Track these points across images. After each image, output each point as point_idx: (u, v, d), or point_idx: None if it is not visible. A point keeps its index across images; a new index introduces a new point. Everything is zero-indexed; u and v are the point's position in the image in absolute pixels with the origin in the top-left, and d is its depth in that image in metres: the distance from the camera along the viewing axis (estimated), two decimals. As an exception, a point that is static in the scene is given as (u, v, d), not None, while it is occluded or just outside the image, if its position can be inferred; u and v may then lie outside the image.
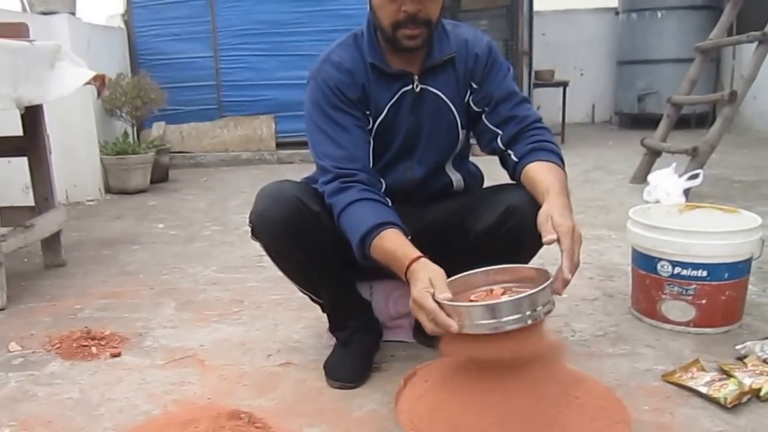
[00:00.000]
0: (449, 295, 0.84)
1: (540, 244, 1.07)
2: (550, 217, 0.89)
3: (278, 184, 1.07)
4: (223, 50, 3.97)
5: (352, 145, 1.04)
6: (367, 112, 1.08)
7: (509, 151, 1.06)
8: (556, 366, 0.98)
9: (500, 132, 1.08)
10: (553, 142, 1.06)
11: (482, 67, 1.10)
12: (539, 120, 1.09)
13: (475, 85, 1.10)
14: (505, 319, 0.81)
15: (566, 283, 0.85)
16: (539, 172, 0.99)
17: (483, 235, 1.05)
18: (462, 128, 1.13)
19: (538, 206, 0.98)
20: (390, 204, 1.02)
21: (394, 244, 0.93)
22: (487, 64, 1.10)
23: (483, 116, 1.10)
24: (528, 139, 1.05)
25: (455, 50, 1.09)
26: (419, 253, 0.91)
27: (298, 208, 1.03)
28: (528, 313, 0.82)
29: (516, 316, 0.81)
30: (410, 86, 1.08)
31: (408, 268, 0.90)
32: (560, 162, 1.03)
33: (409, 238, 0.96)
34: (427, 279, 0.86)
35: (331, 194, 1.02)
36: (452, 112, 1.11)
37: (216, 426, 0.94)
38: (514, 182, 1.08)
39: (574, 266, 0.85)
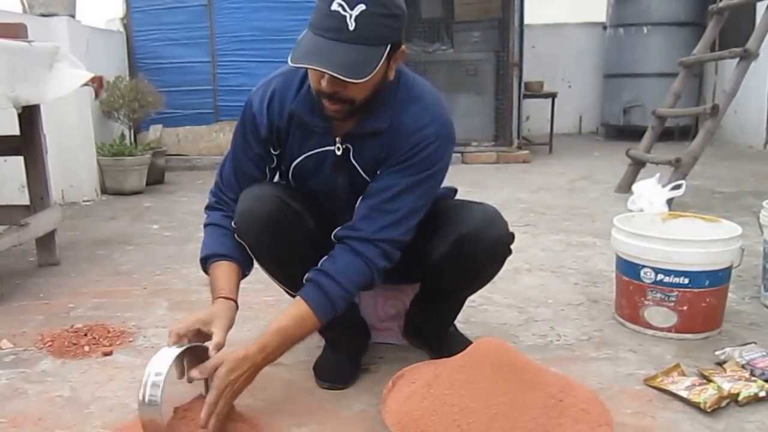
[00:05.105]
0: (175, 348, 0.92)
1: (498, 267, 1.12)
2: (220, 365, 0.93)
3: (260, 186, 1.09)
4: (221, 56, 3.98)
5: (240, 174, 1.12)
6: (278, 151, 1.11)
7: (354, 223, 1.03)
8: (541, 369, 1.01)
9: (361, 202, 1.05)
10: (362, 273, 1.01)
11: (399, 155, 1.03)
12: (388, 240, 1.01)
13: (384, 161, 1.06)
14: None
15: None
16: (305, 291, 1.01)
17: (439, 263, 1.08)
18: None
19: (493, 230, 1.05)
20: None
21: (218, 274, 1.06)
22: (405, 155, 1.02)
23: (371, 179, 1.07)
24: (352, 240, 1.02)
25: (384, 126, 1.03)
26: (226, 294, 1.03)
27: (279, 207, 1.05)
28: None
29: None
30: (332, 147, 1.06)
31: (214, 301, 1.04)
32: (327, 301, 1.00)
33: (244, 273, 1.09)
34: (197, 317, 0.99)
35: (207, 206, 1.16)
36: (368, 182, 1.07)
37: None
38: (473, 201, 1.11)
39: (210, 408, 0.91)
